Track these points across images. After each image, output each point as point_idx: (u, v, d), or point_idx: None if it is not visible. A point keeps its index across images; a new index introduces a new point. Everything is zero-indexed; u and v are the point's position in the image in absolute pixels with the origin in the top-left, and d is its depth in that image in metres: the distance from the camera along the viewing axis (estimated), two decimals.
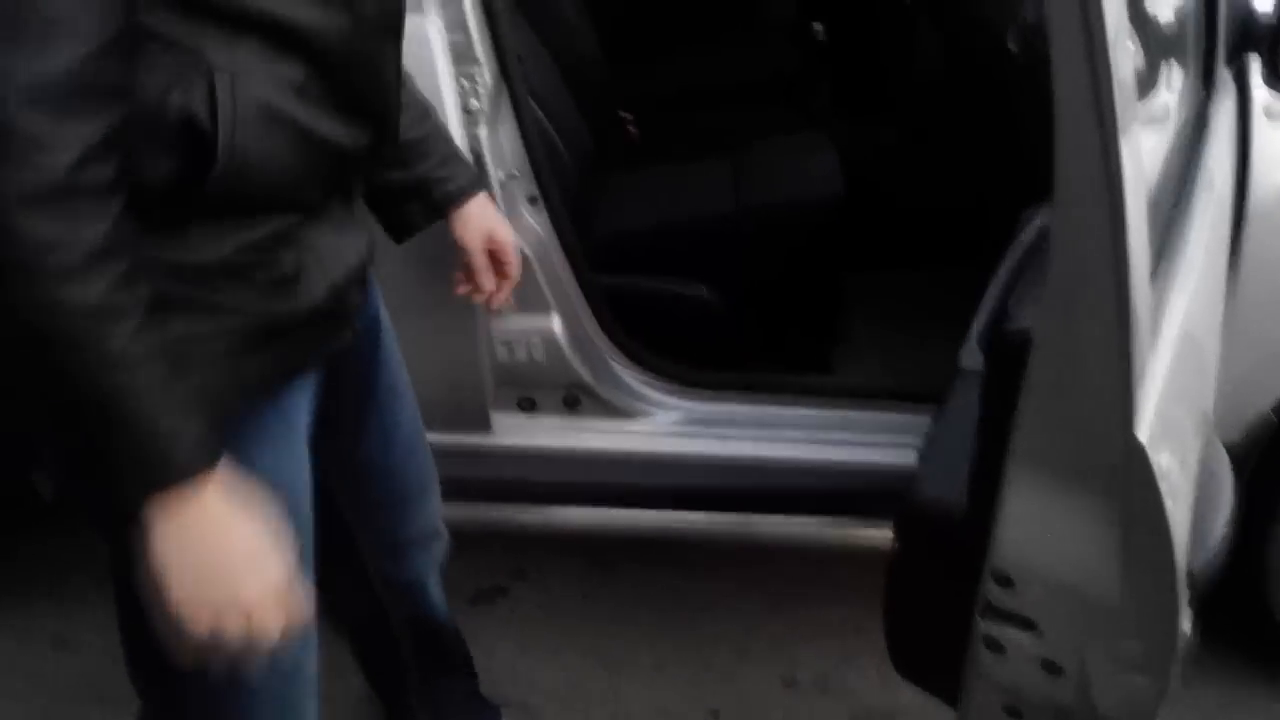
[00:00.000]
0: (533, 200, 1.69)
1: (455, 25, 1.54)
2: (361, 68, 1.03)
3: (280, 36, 0.94)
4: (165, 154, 0.91)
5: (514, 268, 1.45)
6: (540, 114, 1.82)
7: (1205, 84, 1.48)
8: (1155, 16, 1.52)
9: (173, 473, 0.88)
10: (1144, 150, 1.09)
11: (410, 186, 1.32)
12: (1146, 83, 1.44)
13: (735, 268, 2.03)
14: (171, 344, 0.90)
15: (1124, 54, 0.92)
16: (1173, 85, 1.46)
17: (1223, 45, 1.47)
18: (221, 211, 0.96)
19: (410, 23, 1.37)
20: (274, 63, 0.95)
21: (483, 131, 1.60)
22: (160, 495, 0.88)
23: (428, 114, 1.35)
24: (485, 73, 1.58)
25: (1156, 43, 1.52)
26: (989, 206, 1.81)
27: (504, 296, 1.47)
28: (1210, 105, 1.46)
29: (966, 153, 2.36)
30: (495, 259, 1.43)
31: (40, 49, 0.81)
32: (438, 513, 1.52)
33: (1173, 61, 1.50)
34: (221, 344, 0.99)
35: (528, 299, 1.67)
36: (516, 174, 1.68)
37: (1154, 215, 1.25)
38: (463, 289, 1.46)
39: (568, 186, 1.88)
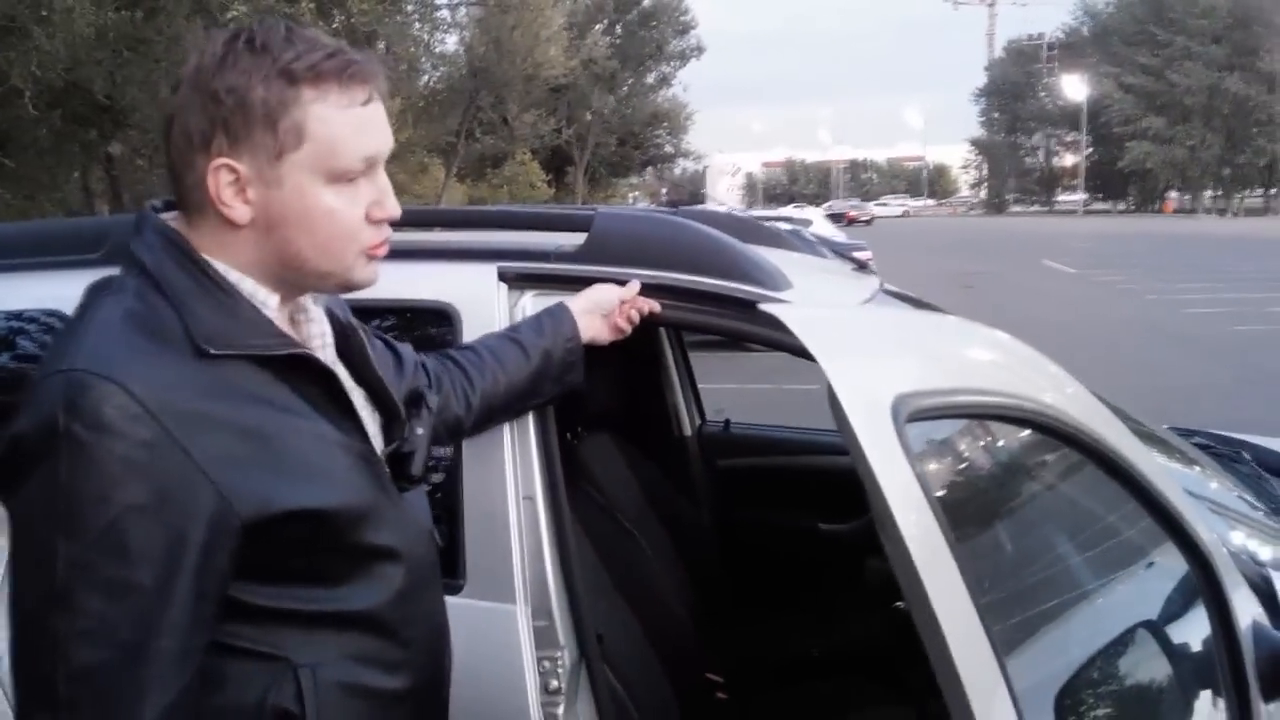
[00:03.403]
0: None
1: (541, 612, 1.66)
2: (416, 622, 1.19)
3: (346, 621, 1.11)
4: None
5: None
6: (618, 686, 1.93)
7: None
8: (1186, 644, 1.61)
9: None
10: None
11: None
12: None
13: None
14: None
15: None
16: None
17: (1255, 683, 1.52)
18: None
19: (500, 611, 1.59)
20: (343, 644, 1.10)
21: (560, 709, 1.68)
22: None
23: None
24: (566, 655, 1.69)
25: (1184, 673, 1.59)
26: None
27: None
28: None
29: None
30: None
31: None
32: None
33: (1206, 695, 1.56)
34: None
35: None
36: None
37: None
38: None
39: None
